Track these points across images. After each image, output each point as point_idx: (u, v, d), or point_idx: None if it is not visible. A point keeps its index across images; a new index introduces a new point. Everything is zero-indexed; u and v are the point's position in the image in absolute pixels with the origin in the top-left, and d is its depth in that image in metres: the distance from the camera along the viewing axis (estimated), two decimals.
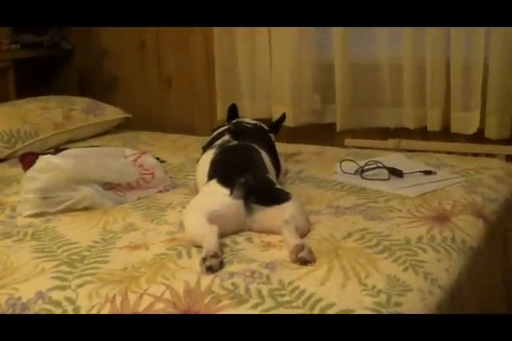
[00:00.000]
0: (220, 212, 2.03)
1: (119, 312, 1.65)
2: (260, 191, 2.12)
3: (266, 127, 2.92)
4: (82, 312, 1.67)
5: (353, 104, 3.52)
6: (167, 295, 1.69)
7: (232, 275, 1.75)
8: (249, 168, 2.28)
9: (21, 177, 2.74)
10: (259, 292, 1.67)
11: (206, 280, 1.73)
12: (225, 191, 2.10)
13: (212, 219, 1.99)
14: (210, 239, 1.89)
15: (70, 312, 1.68)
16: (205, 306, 1.62)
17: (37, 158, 2.59)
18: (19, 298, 1.77)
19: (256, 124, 2.87)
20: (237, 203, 2.06)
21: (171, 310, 1.63)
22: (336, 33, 3.42)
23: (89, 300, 1.71)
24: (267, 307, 1.61)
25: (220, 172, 2.29)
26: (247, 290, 1.67)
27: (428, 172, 2.63)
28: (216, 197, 2.10)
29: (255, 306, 1.61)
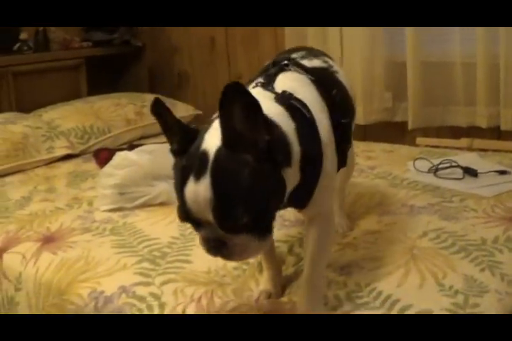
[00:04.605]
0: None
1: (205, 311, 1.67)
2: None
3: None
4: (167, 309, 1.70)
5: (425, 103, 3.48)
6: (251, 301, 1.71)
7: None
8: None
9: (95, 173, 2.81)
10: (336, 295, 1.68)
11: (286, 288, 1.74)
12: None
13: None
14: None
15: (155, 307, 1.71)
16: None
17: (112, 154, 2.64)
18: (102, 292, 1.81)
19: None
20: None
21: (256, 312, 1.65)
22: (409, 30, 3.40)
23: (175, 297, 1.74)
24: (346, 309, 1.62)
25: None
26: (324, 296, 1.66)
27: (503, 172, 2.60)
28: None
29: (334, 308, 1.63)
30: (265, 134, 1.34)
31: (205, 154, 1.33)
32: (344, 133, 1.71)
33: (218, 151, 1.33)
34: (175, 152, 1.42)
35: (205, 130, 1.40)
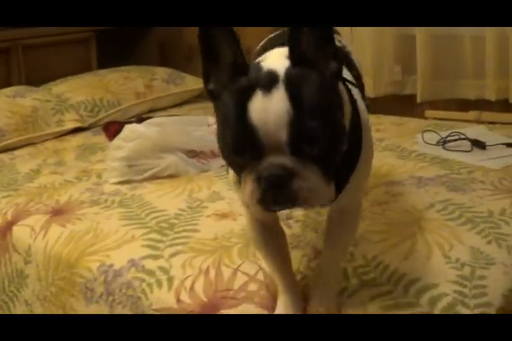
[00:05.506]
0: None
1: (214, 286, 1.66)
2: None
3: None
4: (176, 282, 1.70)
5: (433, 76, 3.48)
6: (260, 275, 1.68)
7: (318, 254, 1.71)
8: None
9: (105, 145, 2.82)
10: (344, 270, 1.65)
11: (294, 260, 1.65)
12: None
13: None
14: None
15: (164, 281, 1.71)
16: None
17: (121, 127, 2.64)
18: (111, 265, 1.82)
19: None
20: None
21: (263, 293, 1.62)
22: None
23: (183, 270, 1.74)
24: (353, 289, 1.59)
25: None
26: None
27: (511, 145, 2.58)
28: None
29: (344, 288, 1.60)
30: (334, 62, 1.20)
31: (273, 71, 1.16)
32: None
33: (288, 69, 1.17)
34: (215, 90, 1.23)
35: (258, 61, 1.26)
